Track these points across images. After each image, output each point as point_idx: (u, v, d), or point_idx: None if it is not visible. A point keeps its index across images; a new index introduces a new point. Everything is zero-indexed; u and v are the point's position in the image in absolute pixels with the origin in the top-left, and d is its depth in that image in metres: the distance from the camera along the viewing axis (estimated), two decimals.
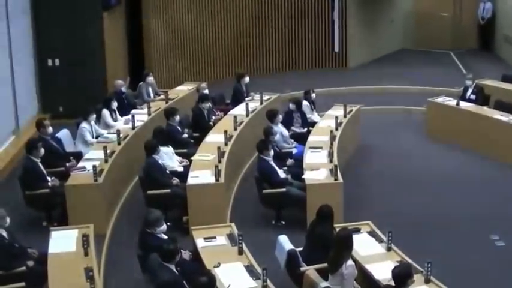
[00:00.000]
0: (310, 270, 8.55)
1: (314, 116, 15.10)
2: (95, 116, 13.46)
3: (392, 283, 7.75)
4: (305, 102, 14.99)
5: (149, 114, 14.30)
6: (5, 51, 14.53)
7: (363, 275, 8.57)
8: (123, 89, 14.91)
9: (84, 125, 13.18)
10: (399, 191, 12.84)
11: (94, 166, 11.19)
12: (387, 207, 12.05)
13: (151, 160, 11.50)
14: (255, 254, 8.95)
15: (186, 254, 8.97)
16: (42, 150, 11.38)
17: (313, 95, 15.29)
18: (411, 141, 15.54)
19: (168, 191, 11.27)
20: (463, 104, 15.14)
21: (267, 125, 13.07)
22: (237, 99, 15.52)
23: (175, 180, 11.51)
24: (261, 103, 15.17)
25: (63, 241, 9.20)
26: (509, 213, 11.80)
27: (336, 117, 13.81)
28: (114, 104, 14.14)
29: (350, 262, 8.20)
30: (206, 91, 15.24)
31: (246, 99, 15.47)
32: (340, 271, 8.10)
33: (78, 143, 13.20)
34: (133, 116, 13.69)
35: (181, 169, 12.15)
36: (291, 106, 14.44)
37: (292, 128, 14.27)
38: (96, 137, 13.20)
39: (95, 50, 16.38)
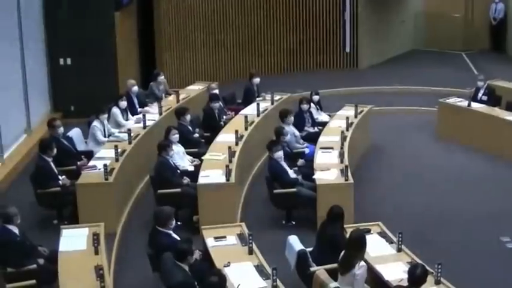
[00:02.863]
0: (320, 271, 8.54)
1: (322, 116, 15.09)
2: (107, 115, 13.50)
3: (403, 283, 7.75)
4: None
5: (160, 114, 14.32)
6: (17, 50, 14.58)
7: (373, 276, 8.57)
8: (135, 89, 14.91)
9: (96, 123, 13.20)
10: (410, 192, 12.82)
11: (105, 165, 11.22)
12: (398, 207, 12.04)
13: (163, 159, 11.52)
14: (265, 253, 8.96)
15: (196, 254, 8.97)
16: (55, 150, 11.45)
17: (317, 97, 15.21)
18: (422, 141, 15.51)
19: (178, 190, 11.28)
20: (475, 105, 15.09)
21: (279, 125, 13.07)
22: (248, 99, 15.52)
23: (186, 180, 11.52)
24: (272, 103, 15.17)
25: (73, 239, 9.25)
26: None
27: (347, 118, 13.80)
28: (125, 103, 14.16)
29: (362, 263, 8.21)
30: (216, 91, 15.23)
31: (257, 99, 15.47)
32: (352, 272, 8.11)
33: (90, 141, 13.24)
34: (144, 115, 13.71)
35: (192, 168, 12.16)
36: (304, 106, 14.40)
37: (306, 128, 14.27)
38: (108, 136, 13.23)
39: (107, 50, 16.41)
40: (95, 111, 13.40)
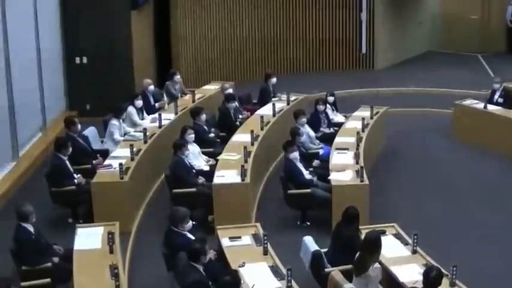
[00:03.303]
0: (334, 272, 8.52)
1: (337, 117, 15.07)
2: (125, 114, 13.55)
3: (418, 285, 7.72)
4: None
5: (176, 113, 14.33)
6: (33, 49, 14.64)
7: (387, 278, 8.54)
8: (151, 88, 14.93)
9: (114, 122, 13.24)
10: (425, 194, 12.77)
11: (120, 164, 11.24)
12: (413, 209, 12.01)
13: (178, 159, 11.53)
14: (279, 254, 8.95)
15: (211, 253, 8.96)
16: (70, 149, 11.48)
17: (332, 98, 15.16)
18: (438, 143, 15.45)
19: (194, 190, 11.29)
20: (491, 107, 15.03)
21: (294, 126, 13.06)
22: (264, 99, 15.49)
23: (201, 179, 11.53)
24: (288, 103, 15.14)
25: (88, 238, 9.28)
26: None
27: (363, 119, 13.76)
28: (141, 103, 14.18)
29: (377, 265, 8.18)
30: (230, 91, 15.20)
31: (273, 99, 15.46)
32: (367, 273, 8.08)
33: (108, 140, 13.27)
34: (160, 115, 13.72)
35: (207, 168, 12.18)
36: (320, 107, 14.39)
37: (321, 129, 14.25)
38: (124, 135, 13.25)
39: (123, 49, 16.47)
40: (110, 110, 13.45)
